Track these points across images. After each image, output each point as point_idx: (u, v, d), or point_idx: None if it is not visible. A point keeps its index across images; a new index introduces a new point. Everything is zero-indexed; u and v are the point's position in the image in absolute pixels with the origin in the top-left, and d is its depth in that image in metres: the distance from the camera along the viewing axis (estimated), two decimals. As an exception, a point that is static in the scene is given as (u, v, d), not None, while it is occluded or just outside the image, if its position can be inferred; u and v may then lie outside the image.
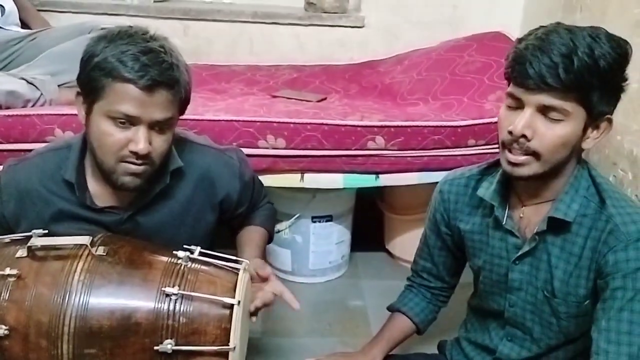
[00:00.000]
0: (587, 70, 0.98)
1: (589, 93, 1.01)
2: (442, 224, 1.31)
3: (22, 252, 1.06)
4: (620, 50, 1.02)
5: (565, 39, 1.00)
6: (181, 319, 1.03)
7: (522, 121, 1.03)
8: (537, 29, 1.05)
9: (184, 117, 1.22)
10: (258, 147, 1.76)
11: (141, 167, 1.11)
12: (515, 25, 2.37)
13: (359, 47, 2.51)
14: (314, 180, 1.84)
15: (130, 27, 1.13)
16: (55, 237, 1.08)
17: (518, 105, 1.05)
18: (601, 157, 1.68)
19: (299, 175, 1.83)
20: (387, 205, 2.20)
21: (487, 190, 1.18)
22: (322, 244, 2.06)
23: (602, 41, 1.00)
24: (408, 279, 1.45)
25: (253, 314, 1.16)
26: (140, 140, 1.08)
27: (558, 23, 1.05)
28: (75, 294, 1.01)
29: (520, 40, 1.05)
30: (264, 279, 1.19)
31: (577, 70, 0.98)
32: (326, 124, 1.78)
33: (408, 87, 2.13)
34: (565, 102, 1.01)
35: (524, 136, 1.03)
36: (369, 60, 2.45)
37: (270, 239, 1.46)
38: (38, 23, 2.25)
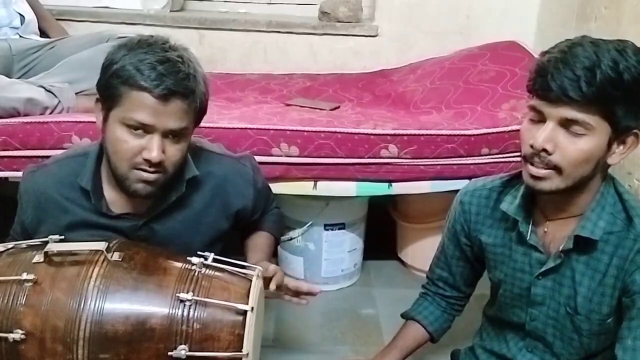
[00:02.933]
0: (611, 84, 0.97)
1: (613, 107, 0.98)
2: (462, 235, 1.30)
3: (38, 258, 1.07)
4: None
5: (589, 52, 0.98)
6: (195, 324, 1.03)
7: (543, 134, 1.01)
8: (563, 42, 1.03)
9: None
10: (272, 155, 1.77)
11: (153, 175, 1.12)
12: (528, 35, 2.37)
13: (373, 56, 2.52)
14: (326, 188, 1.84)
15: (151, 36, 1.15)
16: (71, 243, 1.10)
17: (540, 118, 1.03)
18: (616, 167, 1.66)
19: (312, 183, 1.83)
20: (399, 214, 2.19)
21: (511, 204, 1.16)
22: (335, 252, 2.06)
23: (628, 55, 0.98)
24: (423, 287, 1.44)
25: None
26: (153, 148, 1.09)
27: (584, 36, 1.03)
28: (91, 300, 1.02)
29: (544, 53, 1.04)
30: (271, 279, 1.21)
31: (600, 83, 0.96)
32: (339, 132, 1.78)
33: (421, 96, 2.13)
34: (588, 116, 0.98)
35: (545, 150, 1.02)
36: (382, 69, 2.47)
37: (277, 242, 1.49)
38: (57, 32, 2.29)
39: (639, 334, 1.03)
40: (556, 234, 1.14)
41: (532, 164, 1.05)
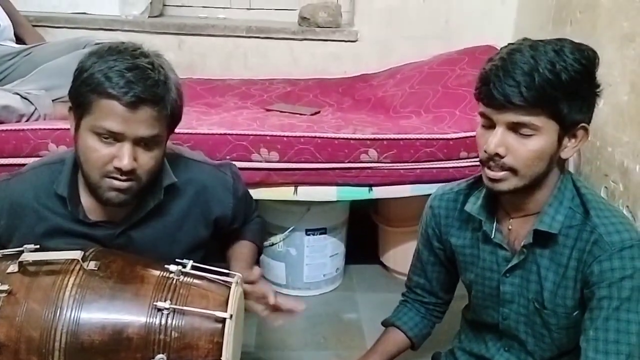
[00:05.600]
0: (550, 85, 1.00)
1: (557, 106, 1.03)
2: (434, 239, 1.32)
3: (13, 268, 1.05)
4: (585, 60, 1.04)
5: (527, 56, 1.02)
6: (173, 333, 1.02)
7: (494, 140, 1.05)
8: (504, 47, 1.07)
9: (178, 130, 1.22)
10: (251, 161, 1.77)
11: (125, 184, 1.11)
12: (506, 39, 2.33)
13: (353, 61, 2.53)
14: (307, 193, 1.84)
15: (123, 43, 1.13)
16: (46, 252, 1.08)
17: (490, 124, 1.07)
18: (593, 169, 1.69)
19: (292, 188, 1.83)
20: (381, 218, 2.20)
21: (474, 205, 1.19)
22: (317, 257, 2.06)
23: (565, 54, 1.02)
24: (403, 294, 1.45)
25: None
26: (124, 156, 1.08)
27: (524, 39, 1.08)
28: (67, 309, 1.01)
29: (488, 61, 1.08)
30: (252, 283, 1.19)
31: (539, 86, 1.00)
32: (319, 137, 1.79)
33: (401, 100, 2.15)
34: (534, 117, 1.03)
35: (497, 154, 1.06)
36: (362, 73, 2.47)
37: (259, 252, 1.46)
38: (33, 38, 2.26)
39: (600, 324, 1.05)
40: (520, 231, 1.17)
41: (489, 168, 1.09)
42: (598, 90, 1.08)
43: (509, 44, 1.08)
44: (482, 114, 1.08)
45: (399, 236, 2.13)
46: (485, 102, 1.06)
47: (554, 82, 1.01)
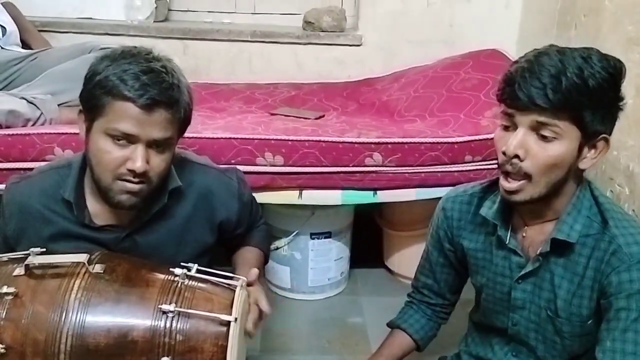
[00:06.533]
0: (576, 90, 0.99)
1: (581, 112, 1.01)
2: (446, 241, 1.31)
3: (19, 270, 1.05)
4: (612, 70, 1.02)
5: (554, 60, 1.00)
6: (178, 336, 1.02)
7: (514, 141, 1.04)
8: (530, 51, 1.06)
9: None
10: (256, 165, 1.77)
11: (138, 186, 1.11)
12: (510, 43, 2.40)
13: (357, 65, 2.54)
14: (312, 197, 1.84)
15: (135, 47, 1.14)
16: (52, 255, 1.08)
17: (511, 125, 1.06)
18: (598, 173, 1.69)
19: (297, 192, 1.83)
20: (385, 222, 2.20)
21: (490, 209, 1.18)
22: (321, 261, 2.06)
23: (593, 61, 1.00)
24: (408, 295, 1.44)
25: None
26: (137, 158, 1.08)
27: (551, 45, 1.06)
28: (72, 312, 1.01)
29: (513, 63, 1.06)
30: (250, 285, 1.18)
31: (566, 89, 0.98)
32: (324, 141, 1.79)
33: (405, 104, 2.15)
34: (557, 121, 1.01)
35: (517, 156, 1.04)
36: (366, 77, 2.48)
37: (266, 259, 1.46)
38: (39, 43, 2.28)
39: (617, 336, 1.04)
40: (535, 237, 1.15)
41: (505, 178, 1.08)
42: (622, 103, 1.06)
43: (535, 49, 1.06)
44: (504, 114, 1.06)
45: (404, 240, 2.13)
46: (508, 103, 1.04)
47: (581, 87, 0.99)
